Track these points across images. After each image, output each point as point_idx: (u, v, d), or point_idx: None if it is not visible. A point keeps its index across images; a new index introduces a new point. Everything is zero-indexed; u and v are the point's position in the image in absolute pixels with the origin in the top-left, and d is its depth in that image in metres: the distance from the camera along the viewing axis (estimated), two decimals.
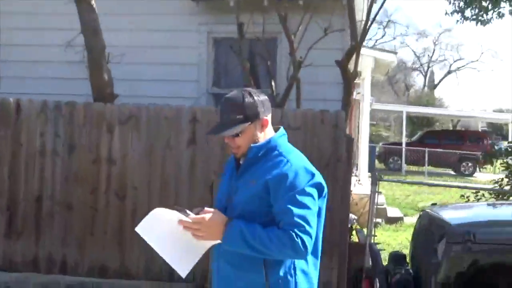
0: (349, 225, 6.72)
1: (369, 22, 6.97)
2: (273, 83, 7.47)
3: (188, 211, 2.55)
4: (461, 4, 9.57)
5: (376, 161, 24.36)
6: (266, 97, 2.72)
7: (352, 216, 7.32)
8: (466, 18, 9.77)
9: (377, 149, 25.89)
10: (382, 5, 7.10)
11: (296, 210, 2.50)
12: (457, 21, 10.05)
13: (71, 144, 6.18)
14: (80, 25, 6.38)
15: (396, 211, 12.74)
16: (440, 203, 9.06)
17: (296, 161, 2.65)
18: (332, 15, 7.30)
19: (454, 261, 4.71)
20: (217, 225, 2.53)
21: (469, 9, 9.53)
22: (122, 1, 8.59)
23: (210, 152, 6.02)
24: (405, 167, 25.16)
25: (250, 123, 2.65)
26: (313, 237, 2.53)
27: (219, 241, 2.56)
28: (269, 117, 2.71)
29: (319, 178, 2.64)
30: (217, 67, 8.65)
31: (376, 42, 38.33)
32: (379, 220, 10.78)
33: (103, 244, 6.13)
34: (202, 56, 8.57)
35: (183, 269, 2.61)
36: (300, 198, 2.53)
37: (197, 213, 2.57)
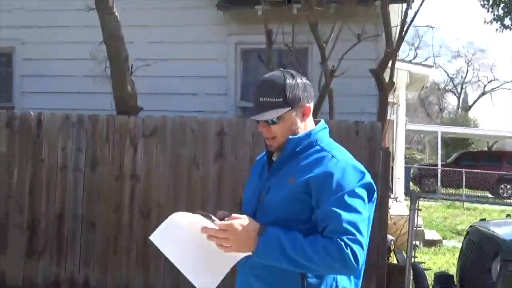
0: (387, 246, 6.33)
1: (406, 27, 6.60)
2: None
3: (213, 217, 2.14)
4: (500, 12, 9.17)
5: (411, 183, 23.76)
6: (309, 82, 2.36)
7: (389, 236, 6.91)
8: (505, 27, 9.36)
9: (411, 171, 25.28)
10: (418, 9, 6.74)
11: (345, 215, 2.10)
12: (496, 30, 9.65)
13: (93, 159, 5.93)
14: (102, 35, 6.15)
15: (434, 234, 12.22)
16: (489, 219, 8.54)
17: (343, 157, 2.26)
18: (365, 23, 6.96)
19: (511, 280, 4.24)
20: (248, 233, 2.12)
21: (508, 17, 9.13)
22: (146, 12, 8.38)
23: (239, 166, 5.71)
24: (441, 189, 24.50)
25: (290, 108, 2.27)
26: (365, 248, 2.12)
27: (250, 253, 2.15)
28: (311, 106, 2.34)
29: (369, 178, 2.25)
30: (245, 79, 8.34)
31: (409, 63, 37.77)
32: (417, 242, 10.31)
33: (126, 264, 5.85)
34: (230, 68, 8.28)
35: (206, 287, 2.21)
36: (349, 200, 2.14)
37: (222, 219, 2.17)
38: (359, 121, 5.71)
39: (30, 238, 6.01)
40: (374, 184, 2.25)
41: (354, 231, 2.08)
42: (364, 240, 2.11)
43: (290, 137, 2.28)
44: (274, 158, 2.37)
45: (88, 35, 7.42)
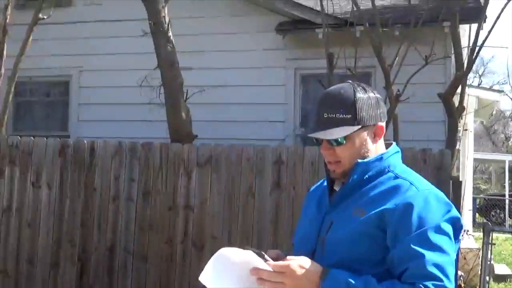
0: (458, 284, 5.85)
1: (477, 48, 6.15)
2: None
3: (266, 256, 1.79)
4: None
5: (477, 215, 22.81)
6: (382, 97, 2.01)
7: (459, 272, 6.41)
8: None
9: (477, 201, 24.30)
10: (491, 29, 6.27)
11: (429, 255, 1.74)
12: None
13: (146, 188, 5.71)
14: (157, 61, 5.97)
15: (504, 268, 11.50)
16: None
17: (423, 186, 1.89)
18: (433, 45, 6.54)
19: None
20: (309, 277, 1.76)
21: None
22: (202, 37, 8.18)
23: (297, 197, 5.36)
24: (509, 220, 23.41)
25: (361, 127, 1.91)
26: None
27: None
28: (384, 125, 1.97)
29: (456, 211, 1.87)
30: (305, 105, 8.00)
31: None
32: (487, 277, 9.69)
33: None
34: (289, 94, 7.96)
35: None
36: (434, 237, 1.77)
37: (276, 259, 1.82)
38: (427, 148, 5.35)
39: (81, 271, 5.81)
40: (461, 219, 1.88)
41: (441, 276, 1.72)
42: (452, 286, 1.75)
43: (358, 160, 1.91)
44: (336, 187, 2.01)
45: (143, 61, 7.27)
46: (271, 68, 7.95)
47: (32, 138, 6.04)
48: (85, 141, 5.94)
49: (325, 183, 2.08)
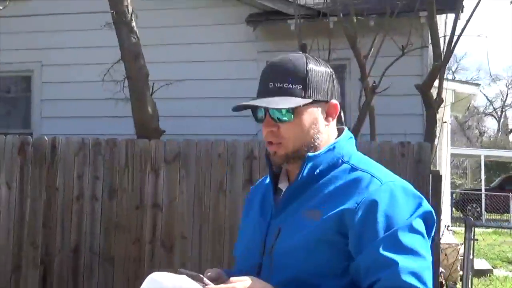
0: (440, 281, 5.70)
1: (455, 38, 5.97)
2: (341, 115, 6.48)
3: (205, 279, 1.51)
4: None
5: (453, 209, 22.89)
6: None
7: (440, 269, 6.25)
8: None
9: (454, 196, 24.41)
10: (469, 18, 6.09)
11: (403, 262, 1.47)
12: None
13: (111, 187, 5.43)
14: (120, 54, 5.67)
15: (483, 263, 11.43)
16: None
17: (387, 178, 1.60)
18: (409, 36, 6.34)
19: None
20: None
21: None
22: (168, 29, 7.86)
23: None
24: (485, 214, 23.55)
25: (311, 101, 1.62)
26: None
27: None
28: (338, 105, 1.69)
29: (427, 204, 1.60)
30: None
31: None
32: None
33: None
34: None
35: None
36: (406, 240, 1.50)
37: (216, 280, 1.56)
38: (405, 141, 5.16)
39: (44, 274, 5.52)
40: (433, 213, 1.60)
41: (419, 285, 1.46)
42: None
43: (309, 154, 1.61)
44: (281, 186, 1.70)
45: (107, 55, 6.95)
46: (242, 61, 7.67)
47: None
48: (46, 138, 5.65)
49: (268, 180, 1.76)
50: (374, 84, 6.02)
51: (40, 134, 7.28)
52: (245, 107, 1.65)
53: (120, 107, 6.71)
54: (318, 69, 1.64)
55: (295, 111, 1.60)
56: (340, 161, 1.64)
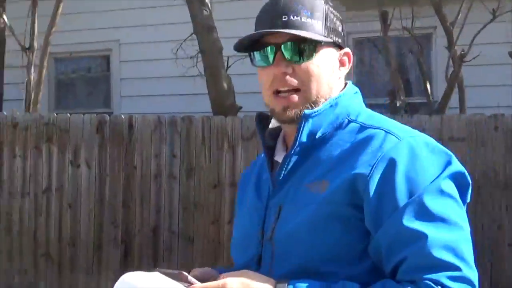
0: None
1: None
2: (428, 87, 6.12)
3: (190, 277, 1.29)
4: None
5: None
6: None
7: None
8: None
9: None
10: None
11: (434, 233, 1.19)
12: None
13: (189, 165, 5.34)
14: (193, 27, 5.53)
15: None
16: None
17: (406, 133, 1.31)
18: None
19: None
20: None
21: None
22: (243, 2, 7.67)
23: None
24: None
25: (332, 41, 1.37)
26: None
27: None
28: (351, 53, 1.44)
29: (458, 163, 1.28)
30: (361, 72, 7.44)
31: None
32: None
33: None
34: None
35: None
36: (435, 206, 1.21)
37: (205, 279, 1.31)
38: (499, 114, 4.80)
39: (125, 253, 5.54)
40: (466, 174, 1.29)
41: (457, 261, 1.17)
42: (475, 275, 1.19)
43: (305, 111, 1.33)
44: (278, 158, 1.42)
45: (180, 31, 6.83)
46: None
47: (68, 115, 5.76)
48: (123, 116, 5.63)
49: (262, 156, 1.49)
50: (462, 53, 5.62)
51: (120, 113, 7.31)
52: (250, 44, 1.40)
53: (196, 84, 6.61)
54: (333, 10, 1.40)
55: (316, 49, 1.34)
56: (347, 120, 1.37)
